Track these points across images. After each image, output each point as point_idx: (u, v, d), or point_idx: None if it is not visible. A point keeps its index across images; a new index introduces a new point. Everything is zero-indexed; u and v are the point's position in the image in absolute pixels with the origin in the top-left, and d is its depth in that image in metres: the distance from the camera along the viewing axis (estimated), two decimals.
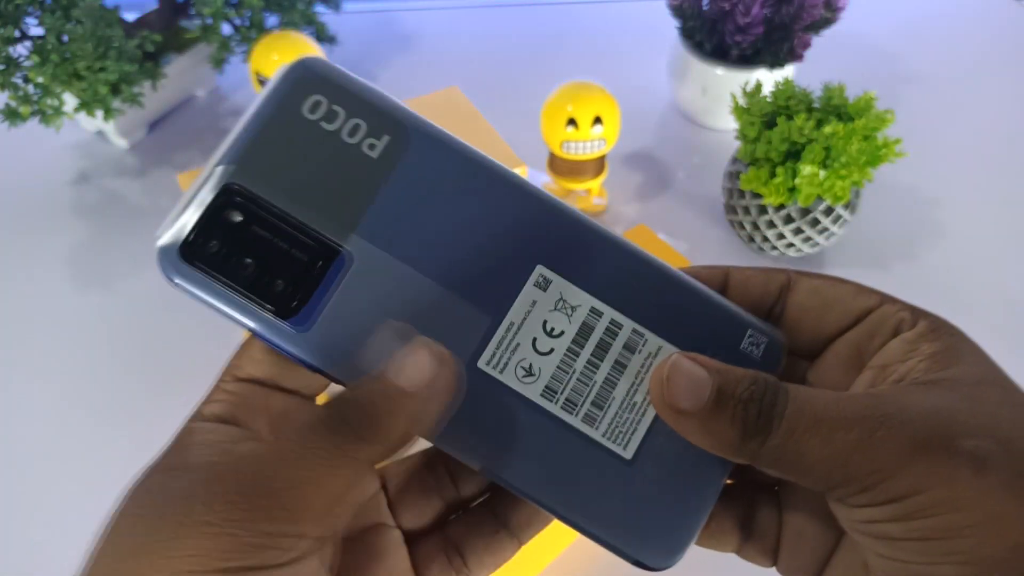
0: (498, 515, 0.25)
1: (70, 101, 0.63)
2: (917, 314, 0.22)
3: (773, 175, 0.55)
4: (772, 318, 0.25)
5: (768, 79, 0.68)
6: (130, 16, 0.70)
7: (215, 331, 0.57)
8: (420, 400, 0.20)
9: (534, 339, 0.23)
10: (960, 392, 0.20)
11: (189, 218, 0.22)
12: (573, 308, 0.23)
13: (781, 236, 0.59)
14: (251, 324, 0.22)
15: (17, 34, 0.61)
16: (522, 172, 0.59)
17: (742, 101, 0.58)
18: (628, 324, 0.23)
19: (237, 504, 0.18)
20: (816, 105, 0.57)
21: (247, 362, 0.23)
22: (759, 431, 0.20)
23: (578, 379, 0.23)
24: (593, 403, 0.23)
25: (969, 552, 0.18)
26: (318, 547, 0.20)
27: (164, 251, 0.22)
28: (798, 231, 0.58)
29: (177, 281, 0.22)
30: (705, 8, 0.68)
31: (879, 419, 0.19)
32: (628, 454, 0.23)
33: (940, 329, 0.22)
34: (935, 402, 0.19)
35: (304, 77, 0.23)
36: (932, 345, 0.21)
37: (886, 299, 0.23)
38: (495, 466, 0.22)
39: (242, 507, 0.18)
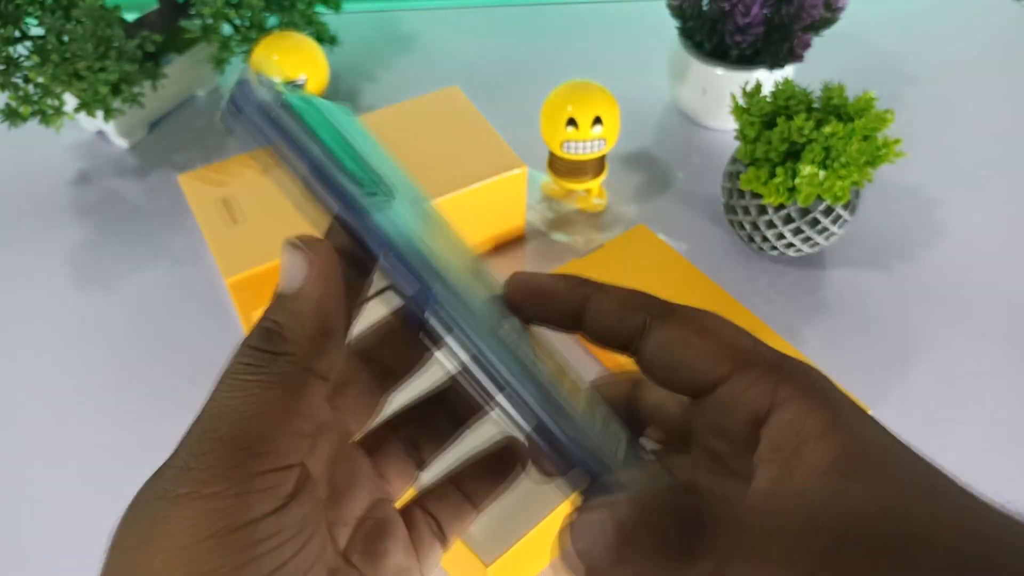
0: (463, 487, 0.26)
1: (70, 101, 0.63)
2: (783, 382, 0.21)
3: (773, 175, 0.56)
4: (631, 356, 0.23)
5: (768, 79, 0.68)
6: (130, 16, 0.70)
7: (215, 331, 0.58)
8: (303, 299, 0.21)
9: None
10: (865, 482, 0.19)
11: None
12: None
13: (781, 236, 0.59)
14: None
15: (17, 34, 0.61)
16: (522, 172, 0.59)
17: (742, 101, 0.59)
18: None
19: (201, 466, 0.18)
20: (816, 105, 0.57)
21: None
22: (683, 556, 0.18)
23: None
24: None
25: None
26: (304, 481, 0.20)
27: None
28: (798, 231, 0.58)
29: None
30: (705, 8, 0.68)
31: (800, 524, 0.18)
32: None
33: (819, 398, 0.21)
34: (849, 500, 0.19)
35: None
36: (817, 422, 0.20)
37: (742, 365, 0.21)
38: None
39: (204, 464, 0.18)
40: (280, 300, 0.21)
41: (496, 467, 0.26)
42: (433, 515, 0.26)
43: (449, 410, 0.26)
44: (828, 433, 0.20)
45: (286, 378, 0.20)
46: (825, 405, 0.20)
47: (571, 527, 0.19)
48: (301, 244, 0.21)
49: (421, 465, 0.26)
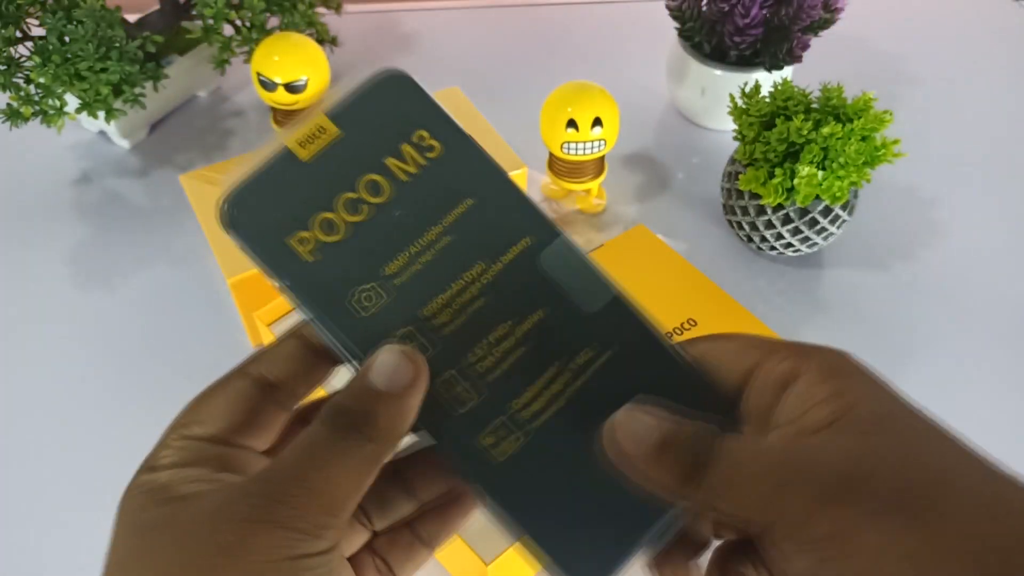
0: (415, 529, 0.28)
1: (72, 102, 0.63)
2: (803, 358, 0.23)
3: (771, 176, 0.56)
4: None
5: (767, 80, 0.68)
6: (131, 17, 0.71)
7: (216, 331, 0.58)
8: (398, 398, 0.23)
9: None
10: (856, 436, 0.21)
11: None
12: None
13: (780, 236, 0.59)
14: None
15: (19, 35, 0.61)
16: (522, 173, 0.59)
17: (741, 102, 0.59)
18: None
19: (289, 505, 0.22)
20: (814, 106, 0.57)
21: (195, 421, 0.26)
22: (691, 479, 0.22)
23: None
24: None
25: None
26: (343, 534, 0.23)
27: None
28: (796, 231, 0.58)
29: None
30: (704, 10, 0.68)
31: (789, 473, 0.21)
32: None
33: (831, 370, 0.23)
34: (836, 451, 0.21)
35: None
36: (824, 389, 0.22)
37: (768, 352, 0.24)
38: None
39: (292, 504, 0.22)
40: (379, 395, 0.23)
41: (449, 508, 0.28)
42: (384, 558, 0.28)
43: (403, 481, 0.28)
44: (832, 398, 0.22)
45: (370, 460, 0.23)
46: (836, 376, 0.22)
47: (623, 420, 0.23)
48: (410, 353, 0.24)
49: (371, 526, 0.28)
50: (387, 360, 0.23)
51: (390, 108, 0.25)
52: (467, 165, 0.25)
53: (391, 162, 0.25)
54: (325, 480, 0.22)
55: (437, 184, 0.25)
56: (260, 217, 0.24)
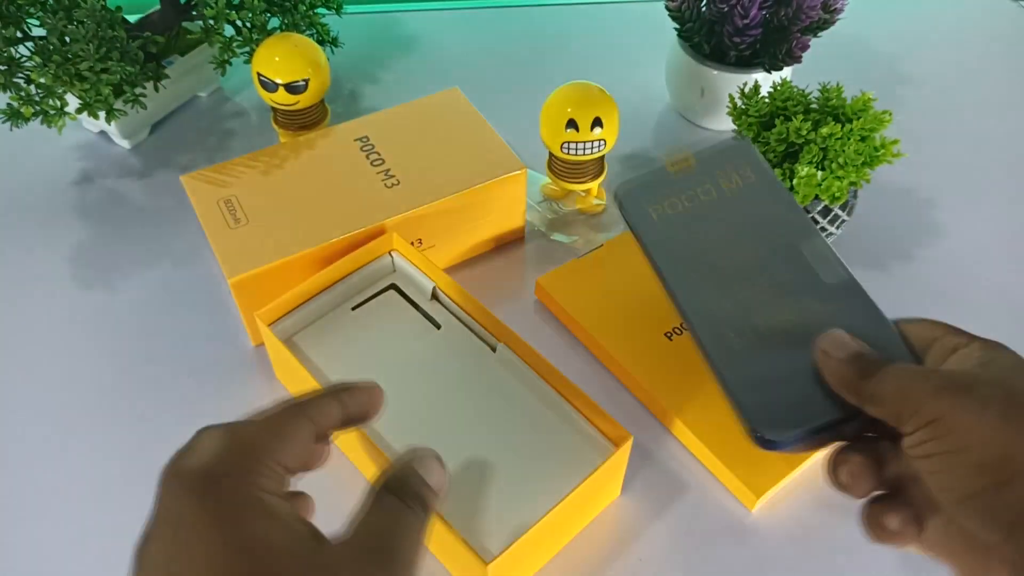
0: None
1: (72, 102, 0.63)
2: (973, 337, 0.30)
3: None
4: None
5: (766, 80, 0.68)
6: (132, 17, 0.71)
7: (217, 332, 0.58)
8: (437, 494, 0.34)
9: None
10: (989, 369, 0.28)
11: None
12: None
13: None
14: None
15: (19, 35, 0.61)
16: (522, 173, 0.60)
17: (740, 102, 0.59)
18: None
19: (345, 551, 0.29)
20: (814, 106, 0.57)
21: (289, 454, 0.31)
22: (865, 377, 0.30)
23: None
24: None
25: (972, 463, 0.26)
26: None
27: None
28: None
29: None
30: (703, 10, 0.68)
31: (926, 374, 0.29)
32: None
33: (991, 344, 0.30)
34: (967, 371, 0.28)
35: None
36: (979, 351, 0.29)
37: (948, 331, 0.32)
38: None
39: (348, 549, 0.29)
40: (434, 493, 0.33)
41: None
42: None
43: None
44: (982, 355, 0.29)
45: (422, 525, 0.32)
46: (994, 348, 0.29)
47: (833, 334, 0.33)
48: (439, 461, 0.35)
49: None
50: (439, 473, 0.34)
51: (730, 155, 0.40)
52: (768, 189, 0.39)
53: (721, 179, 0.40)
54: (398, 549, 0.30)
55: (746, 196, 0.40)
56: (638, 199, 0.40)
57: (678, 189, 0.41)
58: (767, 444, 0.37)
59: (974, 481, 0.26)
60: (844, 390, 0.31)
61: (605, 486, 0.48)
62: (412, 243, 0.57)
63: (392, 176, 0.58)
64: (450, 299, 0.53)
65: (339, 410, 0.34)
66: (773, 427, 0.35)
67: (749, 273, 0.40)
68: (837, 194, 0.54)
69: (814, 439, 0.35)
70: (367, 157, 0.60)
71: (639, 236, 0.41)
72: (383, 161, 0.59)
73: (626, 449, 0.45)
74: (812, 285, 0.39)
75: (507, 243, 0.64)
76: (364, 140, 0.61)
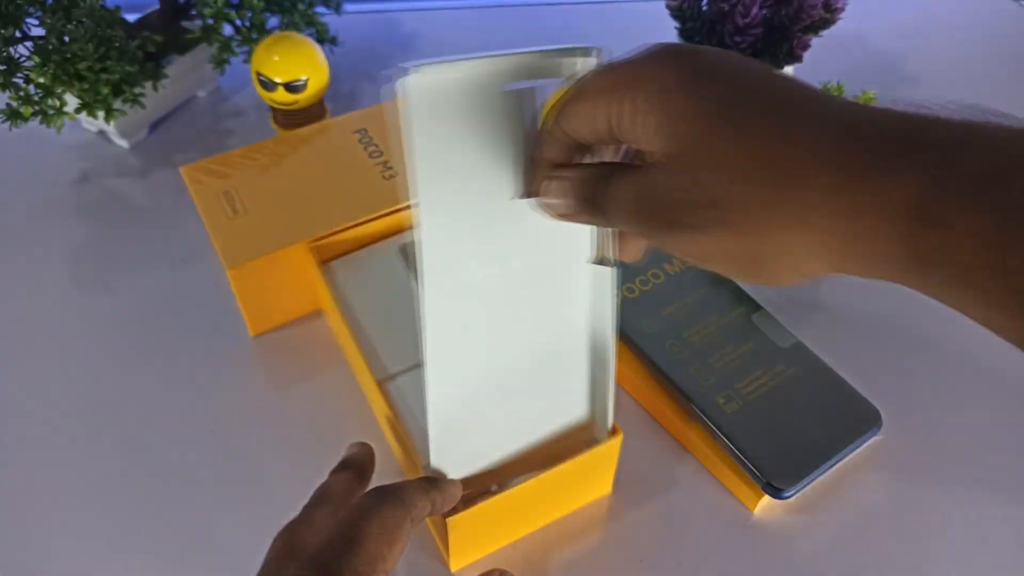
0: None
1: (71, 101, 0.63)
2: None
3: None
4: None
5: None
6: (131, 17, 0.71)
7: (216, 331, 0.58)
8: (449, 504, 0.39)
9: None
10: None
11: None
12: None
13: None
14: None
15: (18, 34, 0.61)
16: None
17: None
18: None
19: None
20: None
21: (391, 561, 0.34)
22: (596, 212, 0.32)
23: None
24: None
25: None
26: None
27: None
28: None
29: None
30: (704, 9, 0.68)
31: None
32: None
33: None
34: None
35: None
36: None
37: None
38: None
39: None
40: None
41: None
42: None
43: None
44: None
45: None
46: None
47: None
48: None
49: None
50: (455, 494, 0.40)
51: None
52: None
53: (666, 266, 0.52)
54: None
55: (688, 275, 0.52)
56: None
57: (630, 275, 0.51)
58: (777, 493, 0.45)
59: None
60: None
61: (589, 477, 0.47)
62: None
63: (391, 168, 0.58)
64: None
65: (428, 508, 0.37)
66: (785, 478, 0.44)
67: (715, 344, 0.49)
68: None
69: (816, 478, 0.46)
70: (365, 149, 0.60)
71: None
72: (381, 153, 0.60)
73: (615, 444, 0.45)
74: (768, 351, 0.49)
75: None
76: (363, 132, 0.61)
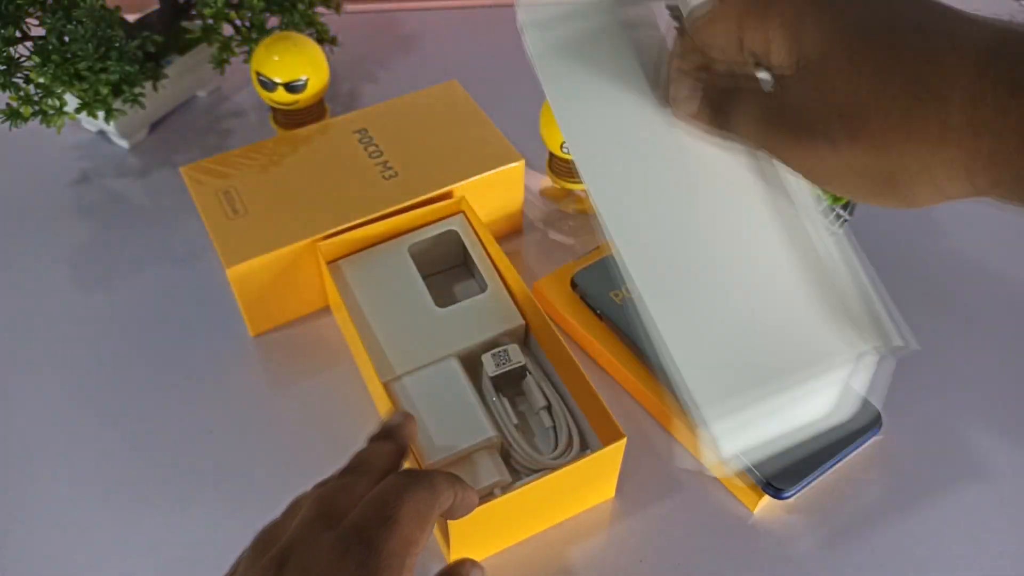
0: None
1: (71, 101, 0.63)
2: None
3: None
4: None
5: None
6: (131, 17, 0.71)
7: (217, 331, 0.58)
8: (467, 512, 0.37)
9: None
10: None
11: None
12: None
13: None
14: None
15: (18, 34, 0.61)
16: (520, 165, 0.59)
17: None
18: None
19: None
20: None
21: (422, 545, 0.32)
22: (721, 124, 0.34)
23: None
24: None
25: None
26: None
27: None
28: None
29: None
30: None
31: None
32: None
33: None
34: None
35: None
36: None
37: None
38: None
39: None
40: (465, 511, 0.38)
41: None
42: None
43: None
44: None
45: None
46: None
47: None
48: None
49: None
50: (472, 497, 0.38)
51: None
52: None
53: None
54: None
55: None
56: (598, 287, 0.52)
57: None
58: (777, 493, 0.46)
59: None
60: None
61: (593, 481, 0.47)
62: None
63: (390, 168, 0.58)
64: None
65: (451, 501, 0.35)
66: (785, 478, 0.45)
67: None
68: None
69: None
70: (365, 149, 0.60)
71: (608, 321, 0.48)
72: (381, 153, 0.60)
73: (618, 448, 0.45)
74: None
75: (505, 236, 0.64)
76: (363, 132, 0.61)
